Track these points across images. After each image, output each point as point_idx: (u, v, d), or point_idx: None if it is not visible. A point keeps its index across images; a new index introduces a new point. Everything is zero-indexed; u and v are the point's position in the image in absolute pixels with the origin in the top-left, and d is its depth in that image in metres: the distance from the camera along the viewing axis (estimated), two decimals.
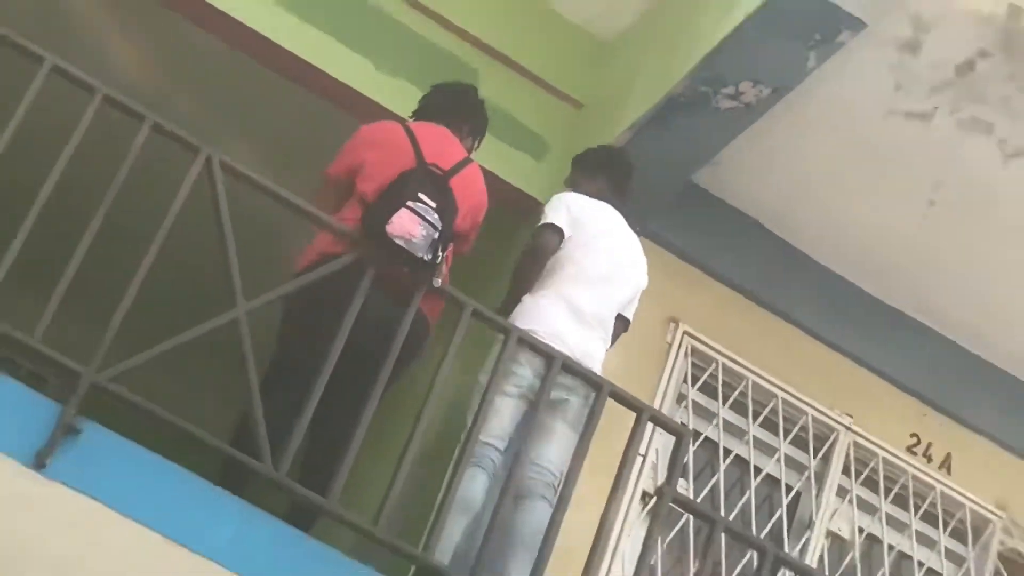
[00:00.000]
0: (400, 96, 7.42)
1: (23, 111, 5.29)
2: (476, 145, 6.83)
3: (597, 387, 5.94)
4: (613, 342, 6.63)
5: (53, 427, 5.01)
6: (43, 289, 5.18)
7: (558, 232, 6.50)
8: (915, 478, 8.06)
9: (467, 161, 6.52)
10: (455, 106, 6.80)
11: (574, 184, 6.91)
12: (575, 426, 6.27)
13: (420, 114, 6.79)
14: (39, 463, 4.97)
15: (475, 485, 6.03)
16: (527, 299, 6.42)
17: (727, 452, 7.72)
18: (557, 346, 6.04)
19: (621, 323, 6.67)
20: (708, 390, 7.78)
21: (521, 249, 6.59)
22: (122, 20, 7.98)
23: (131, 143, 5.40)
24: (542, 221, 6.55)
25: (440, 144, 6.44)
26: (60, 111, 5.36)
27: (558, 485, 6.16)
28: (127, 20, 7.96)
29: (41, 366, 5.41)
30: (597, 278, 6.54)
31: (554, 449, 6.26)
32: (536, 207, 7.60)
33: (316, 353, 5.58)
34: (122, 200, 5.35)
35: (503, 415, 6.14)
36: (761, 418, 7.83)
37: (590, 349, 6.40)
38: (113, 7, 7.90)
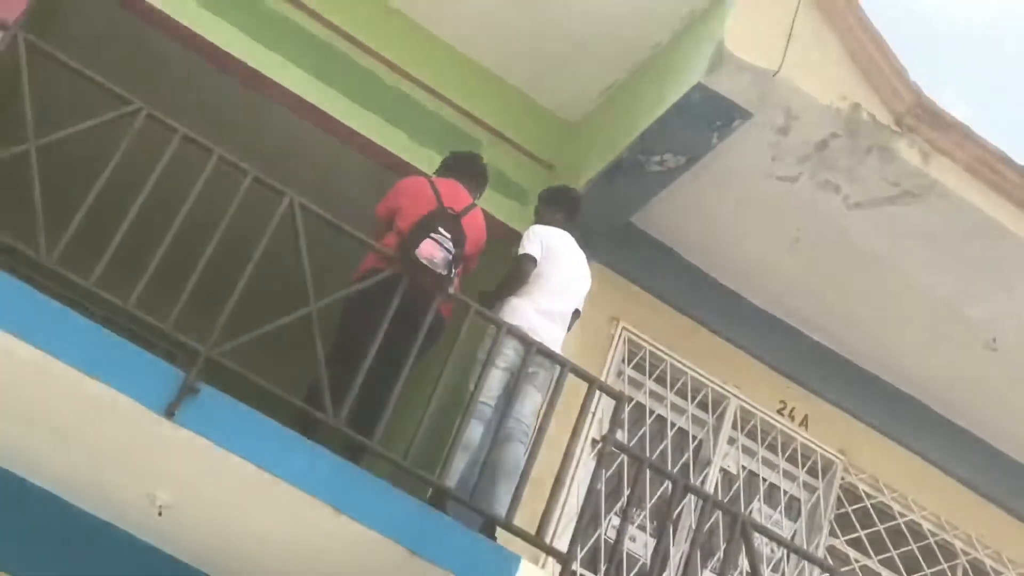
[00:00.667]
0: (426, 159, 7.41)
1: (157, 172, 5.32)
2: (479, 195, 6.84)
3: (561, 364, 5.96)
4: (569, 328, 6.65)
5: (179, 388, 5.02)
6: (173, 291, 5.19)
7: (533, 260, 6.50)
8: (782, 432, 8.03)
9: (473, 205, 6.53)
10: (466, 167, 6.81)
11: (539, 214, 6.90)
12: (542, 390, 6.30)
13: (441, 171, 6.79)
14: (169, 413, 4.98)
15: (474, 432, 6.03)
16: (513, 301, 6.42)
17: (651, 412, 7.70)
18: (533, 336, 6.06)
19: (575, 315, 6.69)
20: (639, 368, 7.74)
21: (509, 267, 6.58)
22: (224, 100, 7.95)
23: (237, 189, 5.43)
24: (522, 251, 6.53)
25: (454, 193, 6.45)
26: (182, 165, 5.38)
27: (531, 432, 6.18)
28: (226, 100, 7.93)
29: (171, 345, 5.44)
30: (560, 288, 6.55)
31: (528, 406, 6.27)
32: (518, 237, 7.64)
33: (365, 337, 5.59)
34: (228, 230, 5.37)
35: (494, 382, 6.14)
36: (675, 388, 7.80)
37: (555, 338, 6.41)
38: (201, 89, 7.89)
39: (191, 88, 7.91)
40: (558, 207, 6.89)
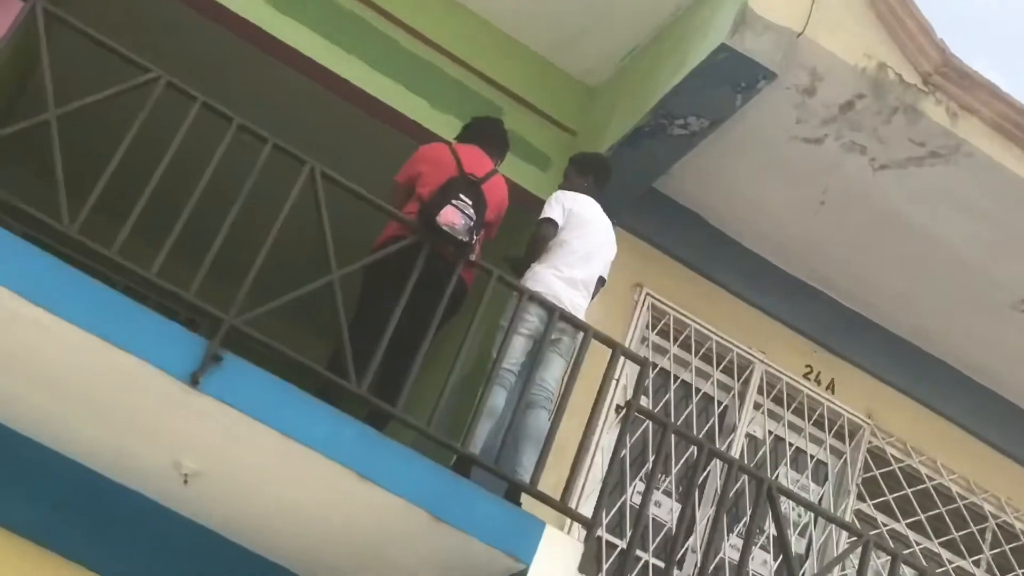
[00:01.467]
0: (447, 126, 7.40)
1: (177, 141, 5.34)
2: (501, 160, 6.82)
3: (584, 330, 5.96)
4: (594, 296, 6.63)
5: (203, 356, 5.06)
6: (194, 261, 5.21)
7: (553, 224, 6.48)
8: (808, 396, 8.03)
9: (494, 171, 6.51)
10: (487, 133, 6.78)
11: (568, 177, 6.87)
12: (566, 356, 6.30)
13: (462, 138, 6.77)
14: (193, 381, 5.02)
15: (497, 398, 6.04)
16: (536, 268, 6.41)
17: (675, 378, 7.71)
18: (556, 303, 6.06)
19: (600, 283, 6.68)
20: (663, 334, 7.74)
21: (531, 233, 6.58)
22: (241, 68, 7.96)
23: (256, 157, 5.43)
24: (542, 215, 6.52)
25: (475, 159, 6.43)
26: (202, 134, 5.39)
27: (555, 398, 6.19)
28: (244, 68, 7.95)
29: (194, 314, 5.47)
30: (584, 254, 6.52)
31: (551, 372, 6.27)
32: (541, 204, 7.62)
33: (387, 305, 5.61)
34: (249, 198, 5.38)
35: (517, 349, 6.14)
36: (699, 354, 7.80)
37: (578, 304, 6.40)
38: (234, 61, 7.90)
39: (209, 56, 7.90)
40: (587, 172, 6.86)
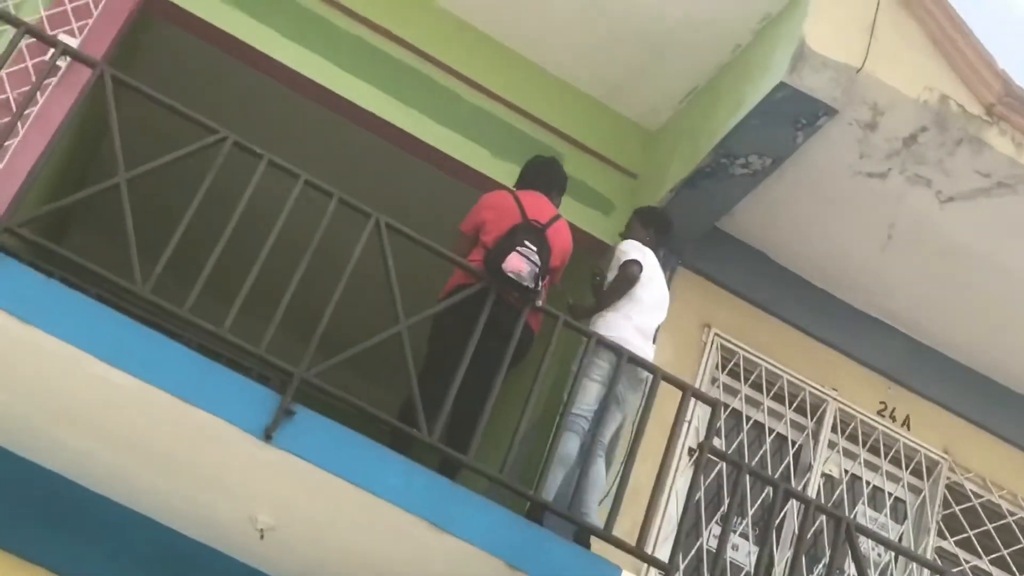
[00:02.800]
0: (509, 174, 7.44)
1: (245, 199, 5.42)
2: (560, 199, 6.84)
3: (653, 372, 5.96)
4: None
5: (275, 410, 5.10)
6: (264, 315, 5.28)
7: (640, 265, 6.53)
8: (884, 433, 7.95)
9: (558, 217, 6.54)
10: (549, 178, 6.81)
11: (631, 229, 6.91)
12: (630, 415, 6.30)
13: (522, 183, 6.80)
14: (267, 436, 5.07)
15: (570, 445, 6.05)
16: (607, 315, 6.44)
17: (747, 418, 7.67)
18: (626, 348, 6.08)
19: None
20: (733, 374, 7.71)
21: (615, 277, 6.56)
22: (304, 123, 8.08)
23: (322, 212, 5.51)
24: (627, 258, 6.54)
25: (538, 205, 6.47)
26: (268, 190, 5.48)
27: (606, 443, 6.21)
28: (307, 123, 8.07)
29: (266, 368, 5.53)
30: (651, 304, 6.57)
31: (611, 427, 6.28)
32: (604, 248, 7.66)
33: (456, 353, 5.65)
34: (315, 252, 5.45)
35: (589, 395, 6.15)
36: (771, 393, 7.76)
37: (647, 352, 6.42)
38: (300, 118, 8.02)
39: (272, 113, 8.06)
40: (649, 224, 6.91)
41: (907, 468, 7.96)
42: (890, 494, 7.88)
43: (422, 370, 5.74)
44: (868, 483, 7.88)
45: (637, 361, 6.02)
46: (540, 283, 6.02)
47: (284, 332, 5.43)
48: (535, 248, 6.03)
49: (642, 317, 6.49)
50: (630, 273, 6.50)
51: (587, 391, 6.07)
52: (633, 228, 6.92)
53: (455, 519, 5.27)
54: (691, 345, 7.48)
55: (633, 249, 6.61)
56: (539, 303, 6.01)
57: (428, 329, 6.22)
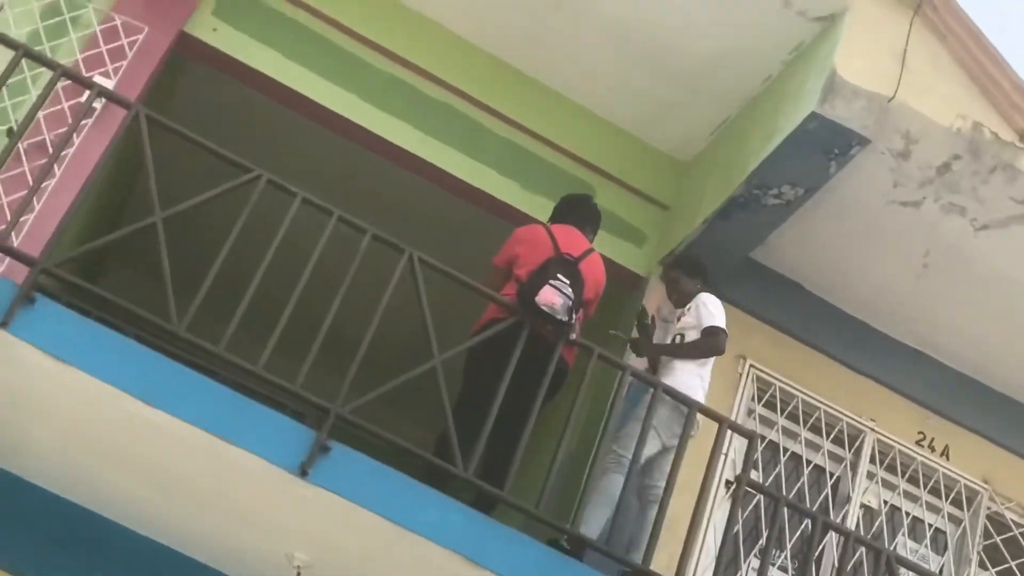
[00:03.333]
0: (540, 207, 7.48)
1: (279, 237, 5.45)
2: (594, 235, 6.86)
3: (689, 405, 5.94)
4: None
5: (311, 446, 5.11)
6: (299, 351, 5.30)
7: (726, 334, 6.63)
8: (923, 463, 7.89)
9: (591, 250, 6.55)
10: (580, 211, 6.84)
11: (678, 284, 6.95)
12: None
13: (556, 218, 6.83)
14: (302, 472, 5.07)
15: (616, 486, 6.01)
16: (677, 364, 6.53)
17: (785, 450, 7.63)
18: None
19: None
20: (769, 406, 7.68)
21: (700, 340, 6.59)
22: (336, 159, 8.14)
23: (356, 247, 5.53)
24: (714, 323, 6.60)
25: (571, 239, 6.48)
26: (304, 227, 5.51)
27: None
28: (338, 159, 8.13)
29: (301, 405, 5.54)
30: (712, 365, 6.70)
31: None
32: (637, 280, 7.66)
33: (490, 387, 5.63)
34: (350, 288, 5.45)
35: (634, 435, 6.14)
36: (808, 424, 7.72)
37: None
38: (337, 158, 8.08)
39: (305, 150, 8.12)
40: (697, 276, 6.97)
41: (947, 498, 7.90)
42: (930, 525, 7.82)
43: (457, 404, 5.73)
44: (908, 514, 7.82)
45: (671, 393, 5.99)
46: (574, 316, 6.00)
47: (319, 367, 5.44)
48: (568, 281, 6.03)
49: (708, 376, 6.64)
50: (718, 345, 6.59)
51: (632, 432, 6.02)
52: (682, 283, 6.95)
53: (491, 554, 5.26)
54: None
55: (718, 311, 6.67)
56: (573, 336, 6.00)
57: (462, 363, 6.22)
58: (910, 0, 6.92)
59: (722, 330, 6.61)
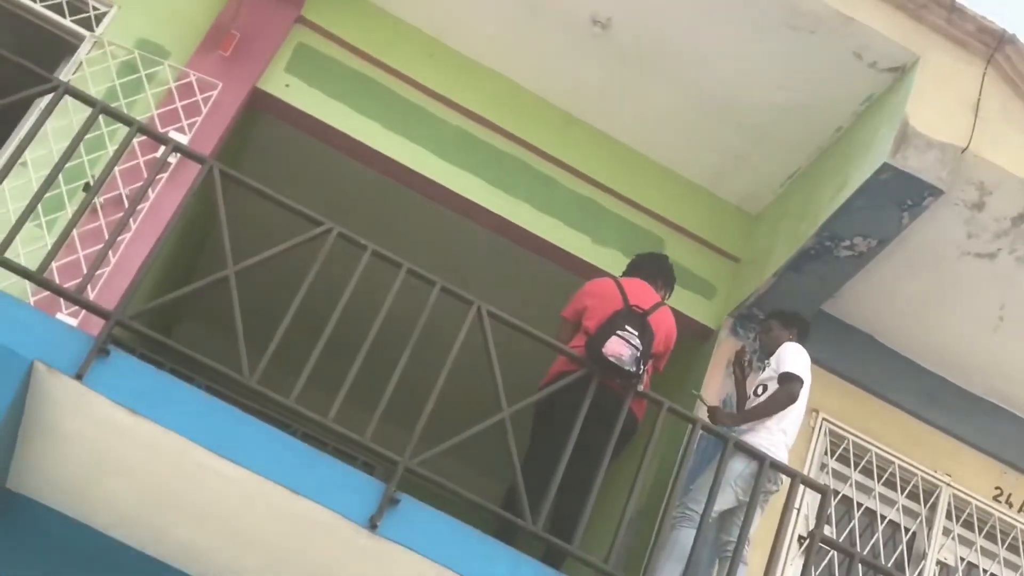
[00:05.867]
0: (609, 259, 7.47)
1: (349, 290, 5.47)
2: (668, 294, 6.84)
3: (761, 460, 5.86)
4: None
5: (380, 499, 5.09)
6: (368, 405, 5.30)
7: (802, 382, 6.58)
8: (1000, 519, 7.75)
9: (661, 304, 6.54)
10: (653, 268, 6.84)
11: (772, 331, 6.95)
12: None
13: (629, 272, 6.82)
14: (372, 525, 5.05)
15: (688, 540, 5.95)
16: (760, 430, 6.45)
17: (859, 505, 7.51)
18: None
19: None
20: (842, 460, 7.58)
21: (776, 391, 6.56)
22: (407, 213, 8.20)
23: (425, 300, 5.54)
24: (789, 369, 6.56)
25: (640, 292, 6.48)
26: (374, 280, 5.54)
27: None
28: (409, 213, 8.18)
29: (370, 457, 5.54)
30: (800, 412, 6.59)
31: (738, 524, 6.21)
32: (708, 333, 7.61)
33: (558, 440, 5.61)
34: (419, 341, 5.46)
35: (723, 496, 6.09)
36: (882, 479, 7.60)
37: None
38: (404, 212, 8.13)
39: (375, 203, 8.18)
40: (792, 326, 6.95)
41: None
42: None
43: (525, 458, 5.71)
44: (985, 571, 7.67)
45: (743, 448, 5.92)
46: (642, 368, 5.97)
47: (388, 420, 5.44)
48: (637, 332, 6.00)
49: (793, 427, 6.55)
50: (790, 392, 6.51)
51: (721, 492, 5.95)
52: (774, 332, 6.93)
53: None
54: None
55: (797, 358, 6.62)
56: (642, 388, 5.95)
57: (531, 416, 6.20)
58: (983, 50, 6.86)
59: (796, 377, 6.53)
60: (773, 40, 6.97)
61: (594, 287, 6.55)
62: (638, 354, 5.92)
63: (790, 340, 6.80)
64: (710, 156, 7.85)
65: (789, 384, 6.51)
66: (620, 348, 5.88)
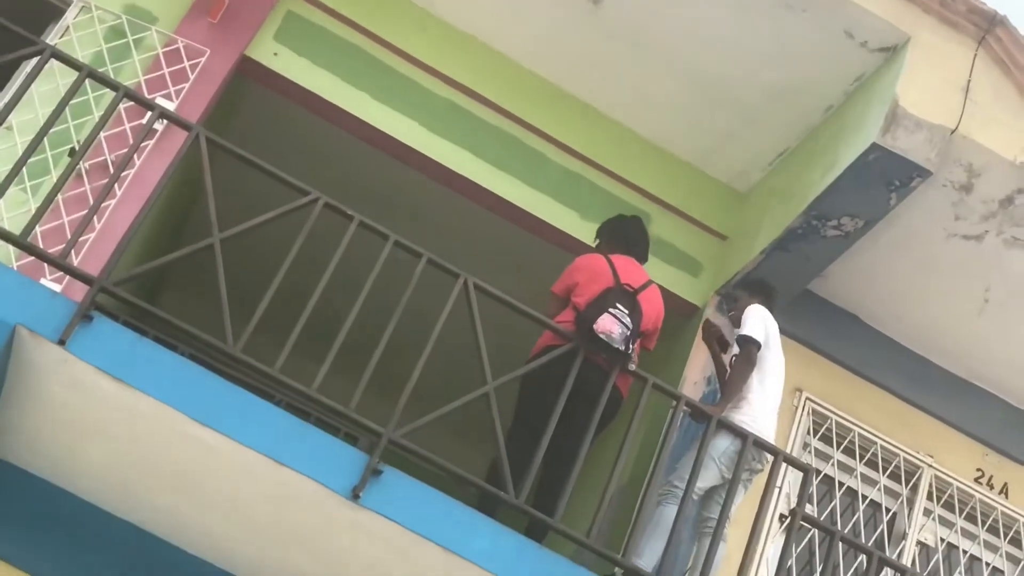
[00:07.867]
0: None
1: (335, 260, 5.45)
2: (645, 258, 6.81)
3: (743, 437, 5.86)
4: None
5: (363, 470, 5.09)
6: (354, 375, 5.29)
7: (758, 344, 6.50)
8: (981, 501, 7.76)
9: (650, 282, 6.52)
10: (633, 238, 6.80)
11: (739, 301, 6.92)
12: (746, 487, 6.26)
13: (612, 244, 6.75)
14: (354, 496, 5.05)
15: (671, 517, 5.95)
16: (750, 399, 6.44)
17: (840, 485, 7.53)
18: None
19: None
20: (825, 439, 7.58)
21: (741, 355, 6.52)
22: (394, 185, 8.16)
23: (411, 272, 5.52)
24: (745, 333, 6.50)
25: (631, 270, 6.45)
26: (360, 251, 5.52)
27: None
28: (397, 185, 8.15)
29: (354, 428, 5.53)
30: (776, 367, 6.61)
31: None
32: (694, 311, 7.60)
33: (543, 414, 5.60)
34: (404, 313, 5.44)
35: (706, 472, 6.06)
36: (864, 459, 7.61)
37: (772, 427, 6.44)
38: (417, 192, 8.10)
39: (363, 174, 8.14)
40: (757, 295, 6.91)
41: (1005, 537, 7.76)
42: (988, 563, 7.69)
43: (510, 431, 5.71)
44: (965, 552, 7.70)
45: (725, 425, 5.92)
46: (631, 346, 5.96)
47: (372, 391, 5.43)
48: (627, 311, 5.99)
49: (775, 387, 6.52)
50: (749, 356, 6.45)
51: (705, 469, 5.95)
52: (741, 301, 6.91)
53: None
54: (782, 410, 7.32)
55: (753, 319, 6.56)
56: (631, 366, 5.95)
57: (516, 389, 6.19)
58: (974, 32, 6.85)
59: (750, 339, 6.46)
60: (765, 18, 6.95)
61: (585, 263, 6.52)
62: (628, 333, 5.91)
63: (752, 304, 6.76)
64: (700, 133, 7.82)
65: (745, 349, 6.46)
66: (611, 326, 5.88)
